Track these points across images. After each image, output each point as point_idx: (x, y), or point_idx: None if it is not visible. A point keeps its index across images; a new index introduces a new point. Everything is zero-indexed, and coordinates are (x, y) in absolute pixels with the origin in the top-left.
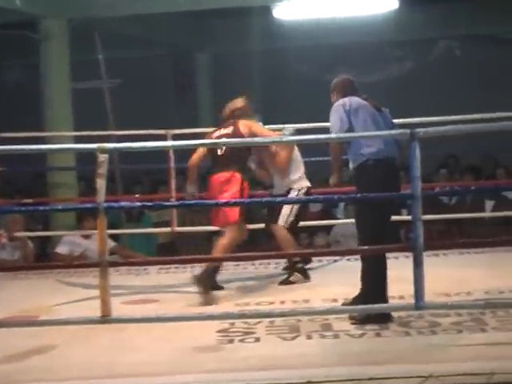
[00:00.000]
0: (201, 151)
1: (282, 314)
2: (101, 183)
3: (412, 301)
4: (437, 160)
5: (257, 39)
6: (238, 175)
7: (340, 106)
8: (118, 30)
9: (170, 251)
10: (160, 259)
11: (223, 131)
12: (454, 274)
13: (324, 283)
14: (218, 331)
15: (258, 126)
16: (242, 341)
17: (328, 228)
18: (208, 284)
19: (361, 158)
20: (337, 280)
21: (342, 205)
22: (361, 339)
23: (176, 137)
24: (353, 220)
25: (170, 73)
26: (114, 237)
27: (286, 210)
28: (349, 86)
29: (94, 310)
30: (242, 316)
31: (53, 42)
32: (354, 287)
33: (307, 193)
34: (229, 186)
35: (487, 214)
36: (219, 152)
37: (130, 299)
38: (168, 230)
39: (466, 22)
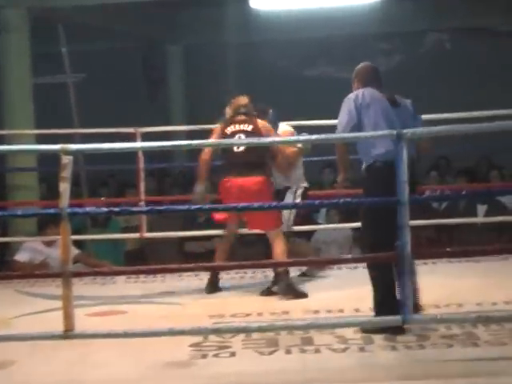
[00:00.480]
0: (208, 149)
1: (259, 329)
2: (64, 187)
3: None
4: (426, 162)
5: (233, 31)
6: (265, 181)
7: (351, 99)
8: (83, 20)
9: (138, 259)
10: (128, 268)
11: (239, 127)
12: (443, 285)
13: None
14: (191, 345)
15: (273, 131)
16: (216, 356)
17: (308, 234)
18: (293, 289)
19: (369, 160)
20: (319, 290)
21: (323, 210)
22: (343, 354)
23: (146, 135)
24: (334, 225)
25: (140, 66)
26: (78, 243)
27: (286, 214)
28: (371, 74)
29: (56, 323)
30: (215, 331)
31: (12, 33)
32: (337, 298)
33: (304, 193)
34: (259, 196)
35: (479, 220)
36: (236, 149)
37: (95, 311)
38: (136, 236)
39: (458, 13)
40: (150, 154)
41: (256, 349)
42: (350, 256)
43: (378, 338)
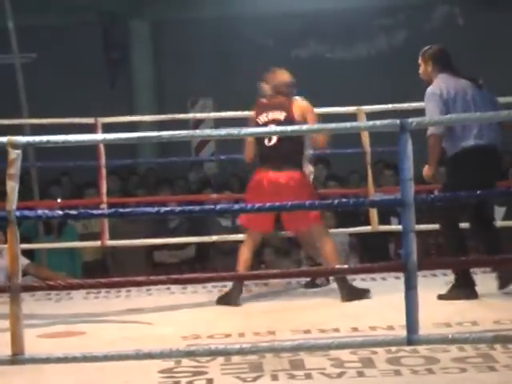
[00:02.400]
0: (250, 142)
1: (241, 351)
2: (12, 186)
3: (404, 333)
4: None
5: (208, 4)
6: (303, 175)
7: (437, 95)
8: None
9: (99, 271)
10: (87, 281)
11: (271, 115)
12: (455, 300)
13: (293, 309)
14: (161, 371)
15: (312, 112)
16: (190, 383)
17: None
18: (355, 291)
19: (455, 148)
20: (310, 306)
21: None
22: (339, 380)
23: (108, 126)
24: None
25: (100, 45)
26: (28, 253)
27: None
28: (447, 57)
29: (2, 346)
30: (189, 354)
31: None
32: (331, 315)
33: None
34: (297, 193)
35: (497, 224)
36: (267, 142)
37: (48, 332)
38: (97, 244)
39: None
40: (112, 148)
41: (237, 374)
42: (346, 266)
43: (380, 361)
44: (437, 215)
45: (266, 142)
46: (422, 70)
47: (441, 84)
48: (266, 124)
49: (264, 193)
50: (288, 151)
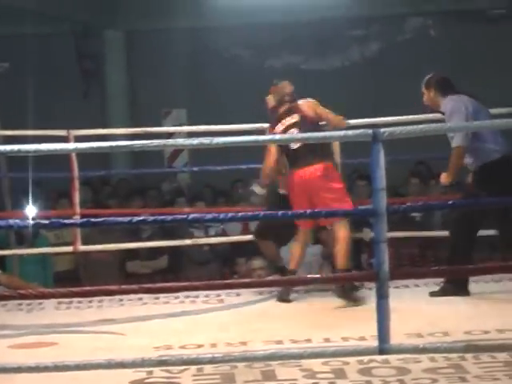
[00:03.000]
0: (274, 150)
1: (213, 361)
2: None
3: (375, 343)
4: (407, 168)
5: (182, 15)
6: (327, 166)
7: (462, 107)
8: (6, 1)
9: (71, 281)
10: (58, 291)
11: (286, 122)
12: (427, 310)
13: (266, 320)
14: (132, 382)
15: (319, 106)
16: None
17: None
18: (352, 295)
19: (484, 158)
20: (282, 316)
21: None
22: None
23: (80, 138)
24: None
25: (73, 55)
26: None
27: None
28: (448, 82)
29: None
30: (161, 363)
31: None
32: (303, 325)
33: None
34: (324, 184)
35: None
36: (293, 146)
37: (19, 342)
38: (69, 249)
39: None
40: (85, 159)
41: None
42: (318, 276)
43: (351, 372)
44: (454, 221)
45: (292, 145)
46: (426, 97)
47: (458, 101)
48: (285, 131)
49: (297, 191)
50: (312, 147)
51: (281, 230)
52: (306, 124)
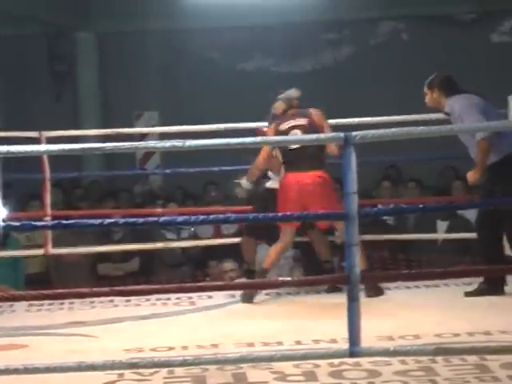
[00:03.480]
0: (267, 151)
1: (184, 363)
2: None
3: (346, 345)
4: (378, 171)
5: (154, 17)
6: (326, 175)
7: (475, 104)
8: None
9: (43, 284)
10: (29, 293)
11: (294, 122)
12: (398, 313)
13: (237, 322)
14: None
15: (326, 121)
16: None
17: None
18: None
19: (500, 154)
20: (254, 319)
21: None
22: None
23: (52, 140)
24: None
25: (44, 57)
26: None
27: None
28: (453, 82)
29: None
30: (132, 366)
31: None
32: (272, 328)
33: None
34: (324, 191)
35: (439, 236)
36: (292, 146)
37: None
38: (40, 252)
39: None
40: (57, 161)
41: None
42: (290, 279)
43: (322, 374)
44: (506, 224)
45: (291, 146)
46: (428, 98)
47: (467, 99)
48: (288, 130)
49: (292, 195)
50: (311, 152)
51: (273, 228)
52: (312, 130)
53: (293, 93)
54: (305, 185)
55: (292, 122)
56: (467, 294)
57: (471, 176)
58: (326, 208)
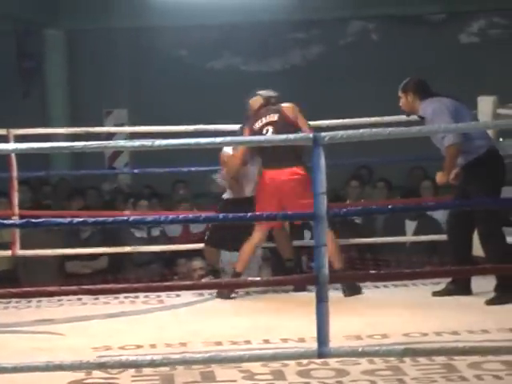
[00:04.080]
0: (241, 149)
1: (152, 363)
2: None
3: (315, 345)
4: (347, 172)
5: (124, 15)
6: (303, 170)
7: (444, 106)
8: None
9: (10, 281)
10: None
11: (265, 120)
12: (367, 312)
13: (205, 321)
14: (70, 383)
15: (300, 113)
16: None
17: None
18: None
19: (476, 152)
20: (222, 317)
21: None
22: None
23: (20, 138)
24: None
25: (13, 54)
26: None
27: None
28: (426, 85)
29: None
30: (100, 366)
31: None
32: (243, 327)
33: None
34: (301, 188)
35: (408, 238)
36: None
37: None
38: (8, 253)
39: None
40: (25, 159)
41: None
42: (258, 278)
43: (290, 373)
44: (479, 223)
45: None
46: (403, 102)
47: (439, 103)
48: (261, 128)
49: (269, 191)
50: (286, 149)
51: (235, 236)
52: (284, 125)
53: (272, 92)
54: (281, 182)
55: (264, 120)
56: (435, 294)
57: (440, 177)
58: (302, 206)
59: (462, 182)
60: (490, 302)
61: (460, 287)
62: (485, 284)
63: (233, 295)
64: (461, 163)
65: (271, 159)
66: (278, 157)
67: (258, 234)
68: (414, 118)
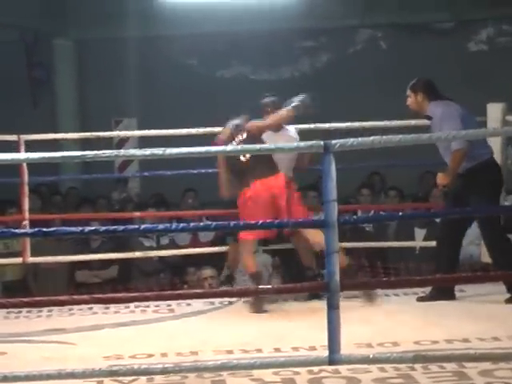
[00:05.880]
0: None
1: (164, 371)
2: None
3: (325, 353)
4: (358, 178)
5: (133, 24)
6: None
7: (453, 110)
8: None
9: (21, 291)
10: (6, 300)
11: (237, 138)
12: (377, 320)
13: (216, 329)
14: None
15: (259, 121)
16: None
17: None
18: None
19: (476, 159)
20: (232, 325)
21: None
22: None
23: (30, 143)
24: None
25: (23, 63)
26: None
27: None
28: (435, 87)
29: None
30: (112, 374)
31: None
32: (251, 335)
33: None
34: (288, 193)
35: (417, 243)
36: (242, 157)
37: None
38: (19, 260)
39: (392, 8)
40: (34, 166)
41: None
42: (269, 286)
43: (302, 381)
44: (484, 230)
45: (242, 157)
46: (411, 101)
47: (449, 106)
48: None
49: (261, 200)
50: (263, 159)
51: None
52: (252, 140)
53: (241, 120)
54: (275, 187)
55: (236, 140)
56: (419, 300)
57: (440, 178)
58: (296, 210)
59: (457, 189)
60: (508, 301)
61: (444, 293)
62: (492, 290)
63: (266, 308)
64: (464, 168)
65: (252, 171)
66: (259, 167)
67: (248, 245)
68: (423, 122)
